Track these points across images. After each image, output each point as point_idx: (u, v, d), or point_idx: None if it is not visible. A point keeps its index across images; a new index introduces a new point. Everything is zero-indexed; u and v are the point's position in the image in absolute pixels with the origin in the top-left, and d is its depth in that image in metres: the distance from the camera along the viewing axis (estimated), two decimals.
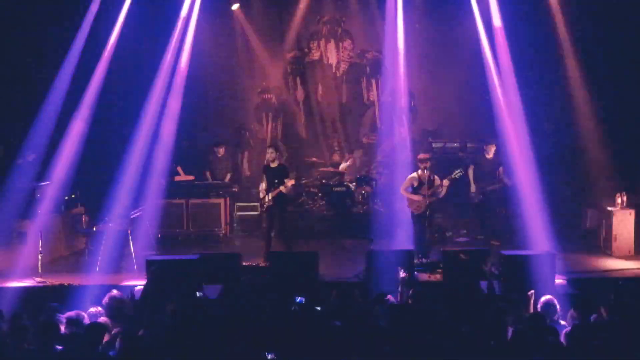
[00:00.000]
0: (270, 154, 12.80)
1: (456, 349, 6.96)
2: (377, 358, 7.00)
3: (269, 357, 7.13)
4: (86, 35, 14.57)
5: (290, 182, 12.84)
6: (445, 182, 12.21)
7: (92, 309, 8.85)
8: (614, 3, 14.61)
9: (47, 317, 8.30)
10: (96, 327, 7.66)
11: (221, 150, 15.88)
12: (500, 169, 13.96)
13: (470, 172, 14.25)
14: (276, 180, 12.55)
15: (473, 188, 14.23)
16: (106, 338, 7.84)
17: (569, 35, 15.35)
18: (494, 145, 14.10)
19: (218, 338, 7.34)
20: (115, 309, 8.86)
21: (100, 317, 8.65)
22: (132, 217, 13.20)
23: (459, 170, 12.47)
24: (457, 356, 6.90)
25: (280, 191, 12.54)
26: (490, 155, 14.08)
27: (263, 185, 12.84)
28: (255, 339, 7.31)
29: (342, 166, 16.39)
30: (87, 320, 8.36)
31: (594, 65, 15.06)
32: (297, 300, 8.93)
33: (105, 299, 8.98)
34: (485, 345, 7.12)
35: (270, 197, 12.56)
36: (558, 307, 8.59)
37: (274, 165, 12.73)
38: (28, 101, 14.34)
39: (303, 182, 16.15)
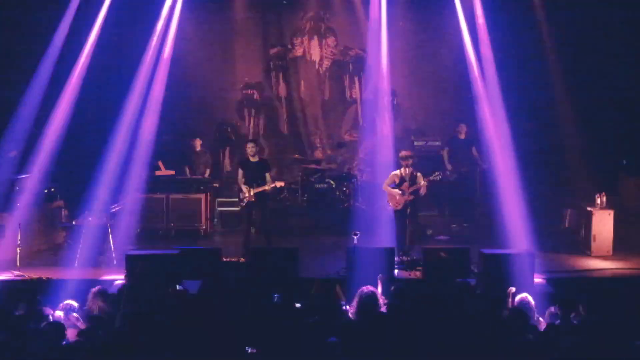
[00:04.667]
0: (250, 148, 12.74)
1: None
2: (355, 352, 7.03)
3: (249, 352, 7.14)
4: (67, 29, 14.48)
5: (279, 184, 12.85)
6: (424, 182, 12.25)
7: (67, 302, 8.78)
8: (597, 2, 14.73)
9: (30, 309, 8.27)
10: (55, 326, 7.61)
11: (197, 144, 15.82)
12: (474, 148, 14.21)
13: (445, 154, 14.54)
14: (258, 180, 12.48)
15: (449, 167, 14.47)
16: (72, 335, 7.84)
17: (552, 34, 15.42)
18: (465, 125, 14.42)
19: (198, 332, 7.32)
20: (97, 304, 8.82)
21: (73, 311, 8.60)
22: (112, 211, 13.13)
23: (438, 173, 12.56)
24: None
25: (264, 189, 12.52)
26: (462, 135, 14.46)
27: (240, 180, 12.73)
28: (235, 334, 7.31)
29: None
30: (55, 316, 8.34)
31: (576, 65, 15.14)
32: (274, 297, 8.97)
33: (89, 295, 8.92)
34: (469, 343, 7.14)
35: (252, 193, 12.50)
36: (533, 304, 8.63)
37: (254, 160, 12.68)
38: (8, 94, 14.23)
39: (285, 178, 16.15)
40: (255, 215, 12.87)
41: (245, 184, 12.61)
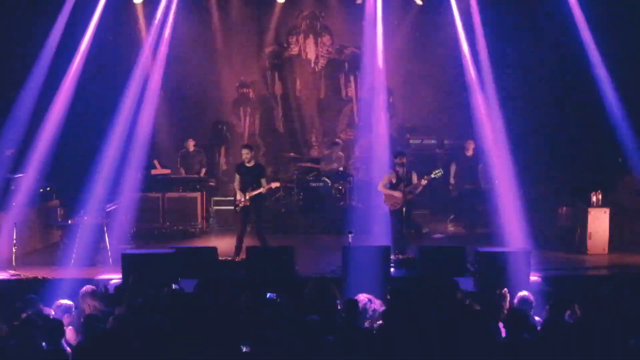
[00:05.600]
0: (245, 154, 12.67)
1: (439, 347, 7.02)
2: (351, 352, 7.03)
3: (244, 350, 7.14)
4: (63, 27, 14.47)
5: (274, 185, 12.81)
6: (424, 181, 12.22)
7: (63, 302, 8.75)
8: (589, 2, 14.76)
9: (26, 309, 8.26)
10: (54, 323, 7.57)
11: (191, 144, 15.79)
12: (480, 166, 14.07)
13: (453, 168, 14.34)
14: (254, 184, 12.44)
15: (452, 181, 14.32)
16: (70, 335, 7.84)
17: (546, 34, 15.43)
18: (472, 142, 14.21)
19: (194, 330, 7.32)
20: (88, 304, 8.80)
21: (69, 311, 8.57)
22: (107, 210, 13.11)
23: (438, 171, 12.49)
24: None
25: (260, 192, 12.48)
26: (469, 152, 14.23)
27: (237, 184, 12.69)
28: (230, 332, 7.31)
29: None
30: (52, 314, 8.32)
31: (569, 63, 15.15)
32: (268, 297, 8.96)
33: (79, 296, 8.90)
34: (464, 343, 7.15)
35: (247, 198, 12.45)
36: (534, 303, 8.65)
37: (250, 164, 12.62)
38: (3, 93, 14.21)
39: (280, 177, 16.16)
40: (251, 220, 12.81)
41: (240, 189, 12.57)
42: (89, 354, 7.00)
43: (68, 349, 7.40)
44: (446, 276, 10.35)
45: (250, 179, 12.51)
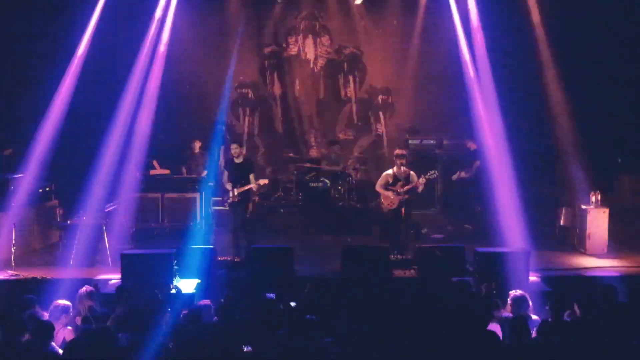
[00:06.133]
0: (234, 149, 12.67)
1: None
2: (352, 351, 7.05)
3: (245, 350, 7.15)
4: (62, 28, 14.47)
5: (263, 182, 12.80)
6: (422, 179, 12.23)
7: (60, 302, 8.69)
8: (590, 3, 14.76)
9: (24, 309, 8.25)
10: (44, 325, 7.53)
11: (197, 146, 15.78)
12: (477, 162, 14.10)
13: (461, 174, 14.39)
14: (242, 180, 12.44)
15: (455, 176, 14.41)
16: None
17: (546, 35, 15.44)
18: (472, 141, 14.25)
19: (194, 331, 7.33)
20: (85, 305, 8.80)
21: (66, 311, 8.52)
22: (106, 210, 13.11)
23: (433, 172, 12.51)
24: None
25: (248, 189, 12.48)
26: (473, 148, 14.29)
27: (225, 180, 12.69)
28: (233, 332, 7.33)
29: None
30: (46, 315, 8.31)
31: (569, 64, 15.16)
32: (267, 297, 8.97)
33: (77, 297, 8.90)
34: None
35: (236, 193, 12.45)
36: (530, 302, 8.65)
37: (238, 160, 12.62)
38: (3, 93, 14.22)
39: (279, 177, 16.13)
40: (238, 214, 12.81)
41: (230, 184, 12.58)
42: (79, 353, 7.00)
43: (59, 350, 7.39)
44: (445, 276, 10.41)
45: (239, 175, 12.52)
